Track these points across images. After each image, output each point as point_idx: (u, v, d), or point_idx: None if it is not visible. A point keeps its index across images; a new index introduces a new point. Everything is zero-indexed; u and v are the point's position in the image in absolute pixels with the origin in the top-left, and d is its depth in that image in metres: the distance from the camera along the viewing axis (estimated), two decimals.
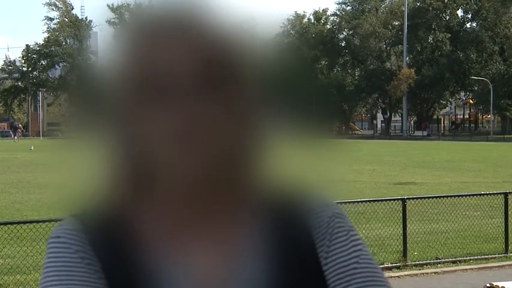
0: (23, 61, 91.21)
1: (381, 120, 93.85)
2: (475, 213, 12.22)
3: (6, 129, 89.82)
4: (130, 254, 0.98)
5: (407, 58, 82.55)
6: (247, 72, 0.97)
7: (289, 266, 1.01)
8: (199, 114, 0.92)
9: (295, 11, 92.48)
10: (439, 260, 9.99)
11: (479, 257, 10.23)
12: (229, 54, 0.95)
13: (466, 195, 11.77)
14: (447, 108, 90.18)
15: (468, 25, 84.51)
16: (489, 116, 79.64)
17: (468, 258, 10.14)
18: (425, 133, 74.64)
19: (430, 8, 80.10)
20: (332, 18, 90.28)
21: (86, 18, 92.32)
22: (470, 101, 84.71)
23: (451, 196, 11.81)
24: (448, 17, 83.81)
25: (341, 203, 9.40)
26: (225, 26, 0.97)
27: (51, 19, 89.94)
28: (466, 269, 9.68)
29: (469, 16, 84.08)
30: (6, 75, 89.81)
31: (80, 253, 0.97)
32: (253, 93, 0.98)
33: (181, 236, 1.00)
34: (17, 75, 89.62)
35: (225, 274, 0.99)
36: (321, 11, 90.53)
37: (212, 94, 0.93)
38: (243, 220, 1.03)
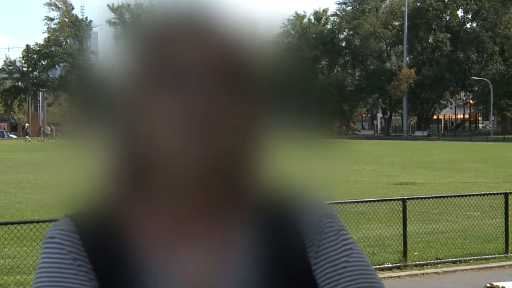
0: (23, 61, 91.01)
1: (381, 121, 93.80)
2: (475, 214, 12.22)
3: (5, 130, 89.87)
4: (123, 254, 0.99)
5: (408, 58, 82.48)
6: (254, 71, 0.98)
7: (279, 268, 1.01)
8: (212, 108, 0.93)
9: (296, 11, 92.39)
10: (439, 260, 9.99)
11: (479, 257, 10.23)
12: (241, 53, 0.97)
13: (466, 196, 11.74)
14: (447, 109, 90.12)
15: (468, 25, 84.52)
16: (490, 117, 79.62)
17: (468, 258, 10.14)
18: (425, 133, 74.60)
19: (430, 8, 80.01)
20: (332, 18, 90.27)
21: (86, 18, 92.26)
22: (471, 101, 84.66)
23: (451, 196, 11.80)
24: (448, 17, 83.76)
25: (341, 203, 9.40)
26: (234, 26, 0.98)
27: (51, 19, 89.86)
28: (466, 269, 9.67)
29: (469, 16, 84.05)
30: (7, 75, 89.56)
31: (73, 254, 0.98)
32: (257, 93, 0.98)
33: (175, 238, 1.01)
34: (17, 75, 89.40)
35: (215, 275, 0.99)
36: (321, 11, 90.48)
37: (225, 90, 0.94)
38: (235, 221, 1.03)
